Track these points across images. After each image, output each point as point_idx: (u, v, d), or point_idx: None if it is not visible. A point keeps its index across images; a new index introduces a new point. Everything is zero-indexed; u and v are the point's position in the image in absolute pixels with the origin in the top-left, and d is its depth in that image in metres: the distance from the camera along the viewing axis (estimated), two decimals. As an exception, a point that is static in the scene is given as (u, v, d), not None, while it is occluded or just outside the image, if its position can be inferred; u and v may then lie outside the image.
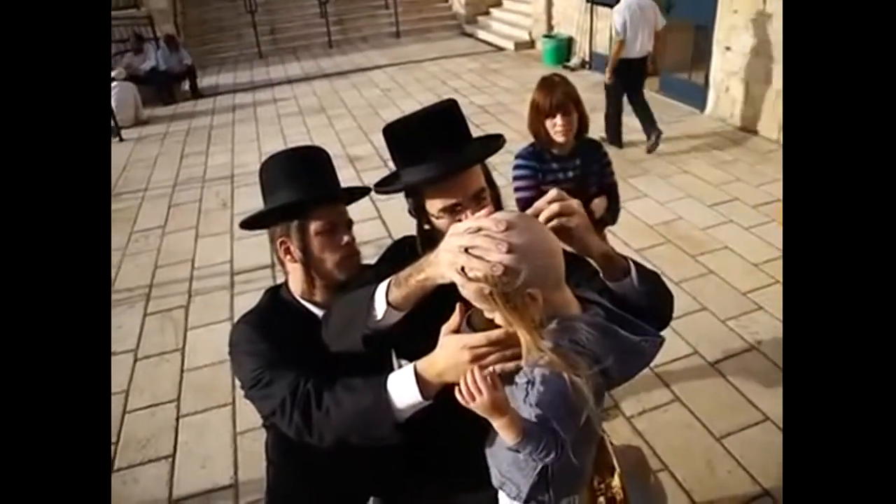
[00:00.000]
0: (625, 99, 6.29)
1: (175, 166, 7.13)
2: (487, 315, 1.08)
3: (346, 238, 1.49)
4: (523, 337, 1.03)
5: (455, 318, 1.15)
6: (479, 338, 1.11)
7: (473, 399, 1.01)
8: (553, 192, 1.15)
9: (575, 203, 1.14)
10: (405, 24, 13.56)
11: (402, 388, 1.21)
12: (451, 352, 1.14)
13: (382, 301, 1.18)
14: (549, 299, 1.05)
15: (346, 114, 8.52)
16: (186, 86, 10.34)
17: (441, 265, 1.08)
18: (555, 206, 1.12)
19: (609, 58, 6.24)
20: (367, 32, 13.43)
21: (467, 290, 1.05)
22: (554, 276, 1.07)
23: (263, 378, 1.41)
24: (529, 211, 1.13)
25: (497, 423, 1.04)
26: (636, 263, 1.24)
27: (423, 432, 1.29)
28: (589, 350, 1.02)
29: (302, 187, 1.47)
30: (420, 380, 1.19)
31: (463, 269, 1.02)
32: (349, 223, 1.54)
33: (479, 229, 1.03)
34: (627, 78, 6.14)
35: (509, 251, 0.99)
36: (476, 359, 1.10)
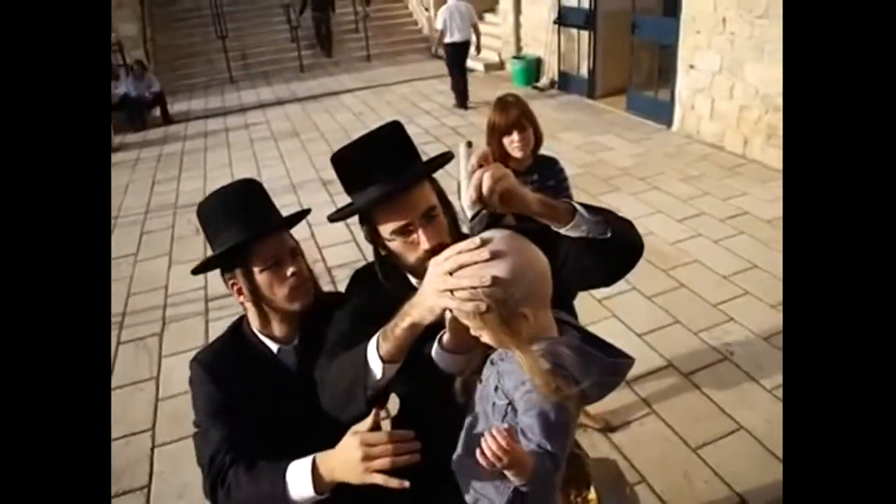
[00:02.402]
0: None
1: (146, 193, 7.06)
2: (473, 333, 1.08)
3: (291, 269, 1.47)
4: (521, 357, 1.03)
5: (368, 420, 1.15)
6: (376, 436, 1.11)
7: (500, 460, 0.97)
8: (474, 159, 1.13)
9: (496, 164, 1.13)
10: (376, 48, 13.66)
11: (299, 481, 1.22)
12: (346, 448, 1.15)
13: (377, 360, 1.15)
14: (536, 319, 1.06)
15: (319, 137, 8.53)
16: (157, 112, 10.28)
17: (427, 301, 1.07)
18: (488, 177, 1.09)
19: (434, 44, 9.64)
20: (338, 57, 13.49)
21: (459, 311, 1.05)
22: (544, 294, 1.08)
23: (202, 427, 1.46)
24: (473, 182, 1.10)
25: (511, 472, 1.02)
26: (576, 202, 1.24)
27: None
28: (570, 373, 1.03)
29: (237, 227, 1.45)
30: (315, 474, 1.20)
31: (452, 291, 1.02)
32: (293, 252, 1.52)
33: (461, 253, 1.03)
34: (454, 55, 8.86)
35: (498, 269, 1.00)
36: (367, 458, 1.10)
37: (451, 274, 1.03)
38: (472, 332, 1.09)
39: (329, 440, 1.32)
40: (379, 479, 1.10)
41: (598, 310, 3.95)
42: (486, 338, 1.08)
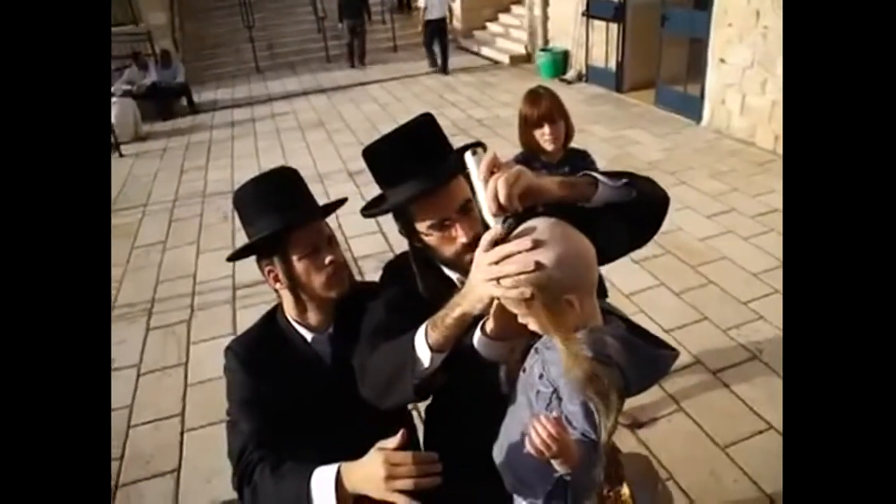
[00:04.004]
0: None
1: (175, 181, 7.15)
2: (521, 320, 1.08)
3: (329, 257, 1.48)
4: (562, 344, 1.03)
5: (396, 439, 1.16)
6: (401, 456, 1.12)
7: (549, 448, 0.98)
8: (483, 167, 1.10)
9: (506, 165, 1.12)
10: (402, 39, 13.65)
11: (323, 489, 1.23)
12: (371, 464, 1.16)
13: (425, 349, 1.15)
14: (582, 307, 1.06)
15: (345, 128, 8.56)
16: (185, 101, 10.39)
17: (475, 290, 1.06)
18: (502, 184, 1.06)
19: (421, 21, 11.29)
20: (364, 47, 13.51)
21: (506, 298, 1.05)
22: (589, 281, 1.08)
23: (233, 416, 1.49)
24: (489, 193, 1.07)
25: (558, 461, 1.03)
26: (596, 173, 1.25)
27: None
28: (614, 362, 1.03)
29: (277, 214, 1.45)
30: (339, 484, 1.21)
31: (499, 279, 1.01)
32: (330, 239, 1.52)
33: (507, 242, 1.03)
34: (432, 29, 11.07)
35: (543, 256, 1.00)
36: (391, 477, 1.11)
37: (497, 263, 1.02)
38: (520, 320, 1.09)
39: (360, 429, 1.33)
40: (401, 499, 1.12)
41: (625, 305, 3.92)
42: (532, 325, 1.08)
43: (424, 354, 1.15)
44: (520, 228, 1.05)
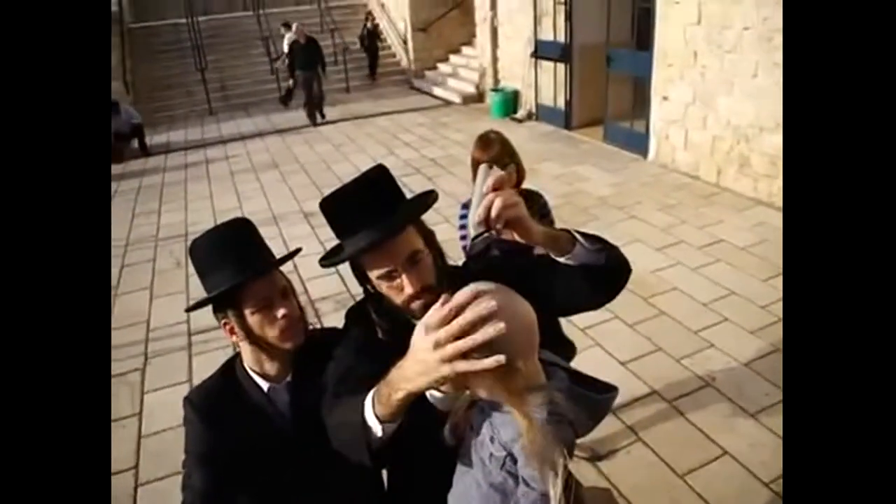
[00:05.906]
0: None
1: (126, 226, 7.02)
2: (468, 390, 1.09)
3: (282, 310, 1.48)
4: (517, 412, 1.02)
5: None
6: None
7: None
8: (490, 181, 1.14)
9: (510, 191, 1.16)
10: (355, 80, 13.82)
11: None
12: None
13: (375, 421, 1.13)
14: (527, 369, 1.05)
15: (300, 169, 8.57)
16: (136, 144, 10.25)
17: (416, 370, 1.02)
18: (499, 202, 1.12)
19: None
20: (322, 100, 13.59)
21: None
22: (535, 343, 1.09)
23: (187, 468, 1.51)
24: (484, 203, 1.12)
25: None
26: (574, 231, 1.31)
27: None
28: (566, 419, 1.04)
29: (228, 270, 1.46)
30: None
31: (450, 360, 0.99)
32: (284, 292, 1.52)
33: (446, 318, 1.00)
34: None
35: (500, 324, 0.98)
36: None
37: (444, 339, 0.99)
38: (463, 389, 1.09)
39: (316, 479, 1.34)
40: None
41: (581, 339, 3.99)
42: (481, 394, 1.08)
43: (376, 426, 1.13)
44: (463, 295, 1.03)
